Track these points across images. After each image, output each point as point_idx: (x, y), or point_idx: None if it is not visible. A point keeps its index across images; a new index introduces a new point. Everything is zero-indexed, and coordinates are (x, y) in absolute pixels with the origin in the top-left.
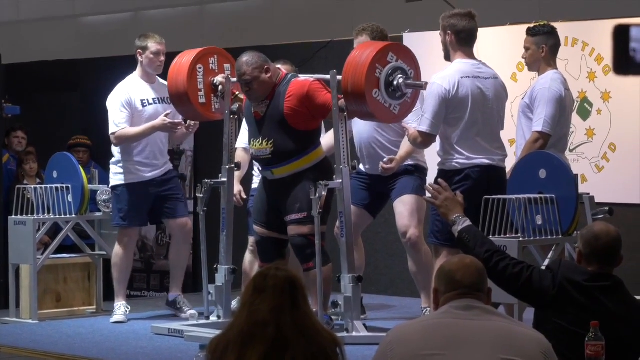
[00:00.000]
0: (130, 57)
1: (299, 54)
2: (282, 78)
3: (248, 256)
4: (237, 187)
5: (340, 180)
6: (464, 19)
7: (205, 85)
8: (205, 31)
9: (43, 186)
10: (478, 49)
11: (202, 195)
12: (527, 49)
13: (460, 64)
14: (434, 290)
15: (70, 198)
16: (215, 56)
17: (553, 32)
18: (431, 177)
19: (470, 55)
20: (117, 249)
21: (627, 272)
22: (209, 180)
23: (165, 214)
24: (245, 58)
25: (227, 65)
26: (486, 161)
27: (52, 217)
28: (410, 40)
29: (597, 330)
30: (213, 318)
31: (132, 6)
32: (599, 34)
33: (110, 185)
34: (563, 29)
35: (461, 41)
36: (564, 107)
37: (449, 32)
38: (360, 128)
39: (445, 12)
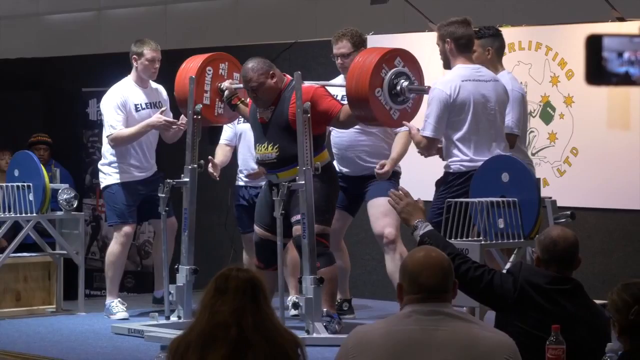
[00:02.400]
0: (93, 55)
1: (262, 54)
2: (287, 83)
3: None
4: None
5: (303, 182)
6: (461, 25)
7: (211, 89)
8: (168, 31)
9: (4, 185)
10: None
11: (164, 195)
12: (472, 51)
13: (461, 68)
14: (399, 285)
15: (31, 197)
16: (226, 63)
17: (498, 35)
18: (419, 179)
19: (470, 61)
20: (114, 248)
21: (589, 276)
22: (171, 180)
23: (155, 214)
24: (251, 64)
25: (236, 75)
26: None
27: (12, 215)
28: (375, 42)
29: (558, 334)
30: (173, 318)
31: (95, 5)
32: (562, 39)
33: (102, 186)
34: (527, 33)
35: (460, 47)
36: (525, 105)
37: (448, 39)
38: (342, 132)
39: (441, 22)
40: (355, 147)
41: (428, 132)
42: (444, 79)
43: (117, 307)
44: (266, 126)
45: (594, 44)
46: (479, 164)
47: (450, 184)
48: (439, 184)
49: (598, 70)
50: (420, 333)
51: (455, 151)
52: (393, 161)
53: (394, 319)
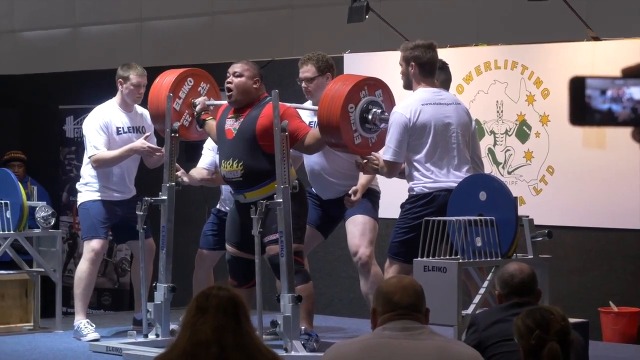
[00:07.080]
0: (69, 72)
1: None
2: (261, 98)
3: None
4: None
5: (281, 200)
6: (427, 50)
7: (184, 101)
8: (144, 48)
9: None
10: None
11: (141, 213)
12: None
13: (422, 92)
14: (372, 311)
15: (8, 214)
16: (208, 85)
17: (444, 68)
18: (395, 200)
19: (432, 85)
20: (82, 265)
21: (565, 295)
22: (149, 198)
23: (132, 236)
24: (245, 61)
25: (212, 99)
26: (453, 185)
27: None
28: (351, 61)
29: None
30: (152, 336)
31: (71, 22)
32: (538, 58)
33: (78, 203)
34: (502, 52)
35: (425, 72)
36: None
37: (413, 63)
38: (312, 159)
39: (406, 42)
40: (326, 173)
41: (388, 156)
42: (404, 103)
43: (86, 328)
44: (232, 141)
45: (577, 85)
46: (443, 185)
47: (414, 204)
48: (403, 205)
49: (581, 110)
50: (395, 344)
51: (417, 174)
52: (362, 187)
53: (369, 334)
